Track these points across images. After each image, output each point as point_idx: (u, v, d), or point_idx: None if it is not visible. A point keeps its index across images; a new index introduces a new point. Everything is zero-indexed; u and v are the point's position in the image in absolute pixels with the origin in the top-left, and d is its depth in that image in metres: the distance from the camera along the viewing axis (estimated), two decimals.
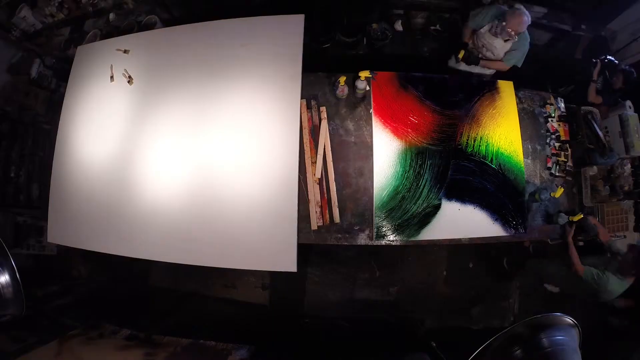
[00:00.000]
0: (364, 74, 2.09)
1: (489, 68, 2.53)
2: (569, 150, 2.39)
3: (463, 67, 2.58)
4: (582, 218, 2.24)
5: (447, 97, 2.32)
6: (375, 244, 2.17)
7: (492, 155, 2.29)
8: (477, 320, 3.03)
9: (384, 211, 2.16)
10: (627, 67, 2.59)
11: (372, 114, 2.24)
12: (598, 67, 2.59)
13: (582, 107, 2.47)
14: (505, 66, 2.41)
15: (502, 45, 2.34)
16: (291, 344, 2.63)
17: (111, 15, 3.10)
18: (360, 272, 3.03)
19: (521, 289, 3.07)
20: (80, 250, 2.35)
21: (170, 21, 3.06)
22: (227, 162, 2.13)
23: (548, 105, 2.45)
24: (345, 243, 2.15)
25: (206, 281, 3.15)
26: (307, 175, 2.16)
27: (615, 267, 2.15)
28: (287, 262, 1.99)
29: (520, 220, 2.27)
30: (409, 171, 2.21)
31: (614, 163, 2.45)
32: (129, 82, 2.35)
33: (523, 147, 2.34)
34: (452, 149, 2.27)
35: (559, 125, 2.42)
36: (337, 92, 2.21)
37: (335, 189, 2.16)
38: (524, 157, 2.33)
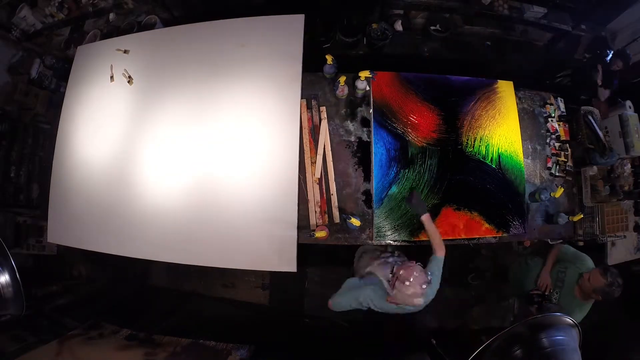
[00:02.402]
0: (364, 74, 2.09)
1: None
2: (569, 150, 2.39)
3: None
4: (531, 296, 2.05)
5: (447, 97, 2.32)
6: (375, 244, 2.17)
7: (492, 155, 2.29)
8: (477, 320, 3.04)
9: (384, 211, 2.16)
10: (620, 48, 2.63)
11: (372, 114, 2.24)
12: (600, 72, 2.61)
13: (582, 107, 2.47)
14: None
15: None
16: (291, 344, 2.63)
17: (111, 15, 3.10)
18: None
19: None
20: (80, 250, 2.35)
21: (170, 21, 3.06)
22: (227, 162, 2.13)
23: (548, 105, 2.44)
24: (345, 243, 2.15)
25: (206, 281, 3.15)
26: (307, 175, 2.16)
27: (573, 287, 2.00)
28: (287, 262, 2.00)
29: (520, 220, 2.27)
30: (409, 171, 2.21)
31: (614, 163, 2.45)
32: (129, 82, 2.35)
33: (523, 147, 2.33)
34: (452, 149, 2.26)
35: (559, 125, 2.42)
36: (337, 92, 2.21)
37: (335, 189, 2.16)
38: (524, 157, 2.33)
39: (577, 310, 1.96)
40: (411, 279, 1.51)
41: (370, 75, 2.10)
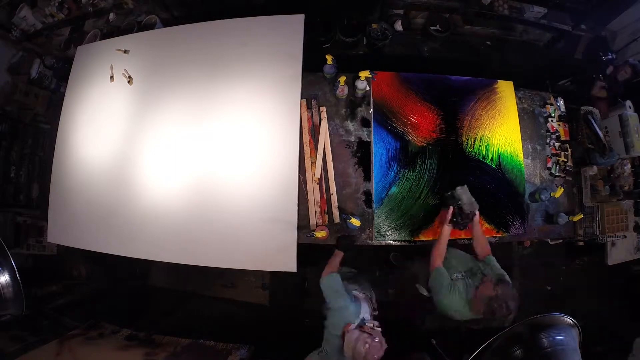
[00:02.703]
0: (364, 74, 2.09)
1: None
2: (569, 150, 2.39)
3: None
4: (450, 194, 1.92)
5: (447, 97, 2.32)
6: (375, 244, 2.17)
7: (492, 155, 2.29)
8: (477, 320, 3.03)
9: (384, 211, 2.16)
10: (633, 60, 2.62)
11: (372, 114, 2.24)
12: (598, 85, 2.61)
13: (582, 107, 2.47)
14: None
15: None
16: (291, 344, 2.63)
17: (111, 15, 3.10)
18: (360, 272, 3.03)
19: (521, 289, 3.07)
20: (80, 250, 2.35)
21: (170, 21, 3.06)
22: (227, 162, 2.13)
23: (548, 105, 2.44)
24: None
25: (206, 281, 3.14)
26: (307, 175, 2.16)
27: (472, 287, 1.69)
28: (287, 262, 2.00)
29: (520, 220, 2.27)
30: (409, 171, 2.21)
31: (614, 163, 2.45)
32: (128, 82, 2.35)
33: (523, 147, 2.33)
34: (452, 149, 2.26)
35: (559, 125, 2.42)
36: (337, 92, 2.21)
37: (335, 189, 2.16)
38: (524, 157, 2.33)
39: (457, 305, 1.70)
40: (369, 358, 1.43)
41: (370, 75, 2.10)
